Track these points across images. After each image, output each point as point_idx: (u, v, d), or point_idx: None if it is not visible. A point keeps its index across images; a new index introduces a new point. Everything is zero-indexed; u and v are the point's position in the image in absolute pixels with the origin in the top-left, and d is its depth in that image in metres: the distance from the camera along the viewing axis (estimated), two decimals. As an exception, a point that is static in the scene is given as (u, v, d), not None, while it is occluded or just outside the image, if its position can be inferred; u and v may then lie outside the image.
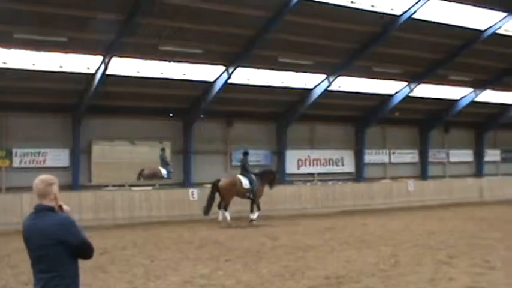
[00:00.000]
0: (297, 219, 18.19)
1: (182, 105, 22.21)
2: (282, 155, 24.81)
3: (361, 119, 26.74)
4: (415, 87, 24.59)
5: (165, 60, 19.22)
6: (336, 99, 24.29)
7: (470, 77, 25.58)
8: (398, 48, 21.66)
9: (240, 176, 17.12)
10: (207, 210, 16.50)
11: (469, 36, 21.80)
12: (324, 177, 25.81)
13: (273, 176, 17.89)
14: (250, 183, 17.02)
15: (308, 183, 24.28)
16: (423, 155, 29.16)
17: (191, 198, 18.71)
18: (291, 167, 25.21)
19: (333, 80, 22.43)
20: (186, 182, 22.12)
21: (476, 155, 31.60)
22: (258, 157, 24.32)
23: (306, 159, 25.86)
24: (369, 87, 24.41)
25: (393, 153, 28.54)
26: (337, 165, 26.54)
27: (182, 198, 18.67)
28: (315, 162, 26.04)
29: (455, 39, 21.92)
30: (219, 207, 16.70)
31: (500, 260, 9.71)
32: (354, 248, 11.53)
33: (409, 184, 24.19)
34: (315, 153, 26.06)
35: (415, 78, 24.28)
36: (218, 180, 16.90)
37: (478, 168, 31.39)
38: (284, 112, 24.54)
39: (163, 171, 22.26)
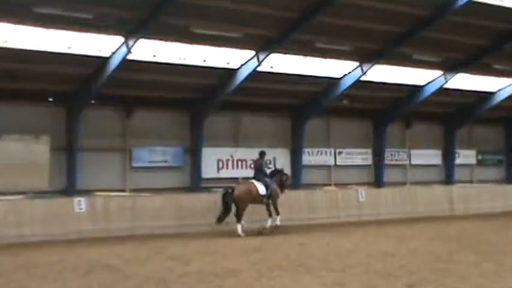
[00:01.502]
0: (214, 237, 18.35)
1: (66, 88, 21.91)
2: (197, 153, 25.03)
3: (298, 108, 27.41)
4: (369, 69, 25.50)
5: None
6: (267, 82, 24.78)
7: (440, 57, 26.67)
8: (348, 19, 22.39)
9: (254, 182, 19.41)
10: (220, 219, 19.00)
11: (438, 4, 22.49)
12: (252, 183, 26.30)
13: (285, 178, 20.39)
14: (266, 188, 19.34)
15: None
16: (378, 155, 30.27)
17: (77, 210, 18.58)
18: (208, 170, 25.53)
19: (264, 59, 22.95)
20: (69, 189, 21.92)
21: (445, 156, 32.96)
22: (165, 156, 24.40)
23: (228, 160, 26.31)
24: (306, 68, 25.07)
25: (339, 153, 29.46)
26: (268, 168, 26.82)
27: (65, 211, 18.49)
28: (239, 163, 26.52)
29: (420, 9, 22.64)
30: (238, 219, 18.97)
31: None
32: (289, 274, 11.74)
33: (359, 193, 24.88)
34: (240, 152, 26.53)
35: (369, 58, 25.15)
36: (231, 189, 19.14)
37: (448, 173, 32.77)
38: (202, 99, 24.77)
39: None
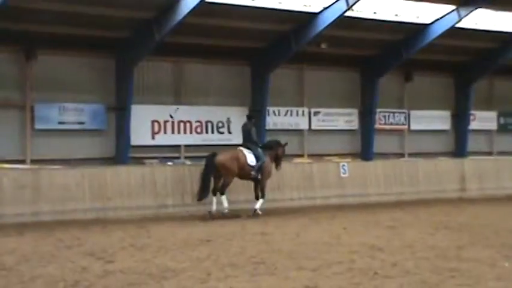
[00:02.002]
0: (146, 224, 18.43)
1: None
2: (124, 112, 24.91)
3: (262, 53, 27.29)
4: (355, 2, 25.27)
5: None
6: (217, 18, 24.56)
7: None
8: None
9: (243, 149, 20.94)
10: (201, 194, 20.36)
11: None
12: (198, 153, 26.09)
13: (281, 149, 21.99)
14: (257, 159, 20.87)
15: (170, 163, 24.63)
16: (366, 117, 30.44)
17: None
18: (139, 135, 25.49)
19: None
20: None
21: (456, 119, 33.33)
22: (81, 116, 24.18)
23: (166, 122, 26.30)
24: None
25: (316, 113, 29.56)
26: (221, 133, 27.23)
27: None
28: (181, 126, 26.57)
29: None
30: (214, 192, 20.42)
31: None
32: (245, 274, 11.78)
33: (341, 167, 25.16)
34: (183, 111, 26.54)
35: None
36: (214, 155, 20.55)
37: (459, 142, 33.25)
38: (132, 39, 24.55)
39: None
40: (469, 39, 30.35)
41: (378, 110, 30.76)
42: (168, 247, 14.83)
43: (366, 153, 30.10)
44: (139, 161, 24.57)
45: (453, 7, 27.75)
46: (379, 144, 30.59)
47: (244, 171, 20.73)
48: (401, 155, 31.60)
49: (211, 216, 20.13)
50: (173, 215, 20.60)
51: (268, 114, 27.93)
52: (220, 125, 26.97)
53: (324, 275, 11.65)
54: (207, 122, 26.94)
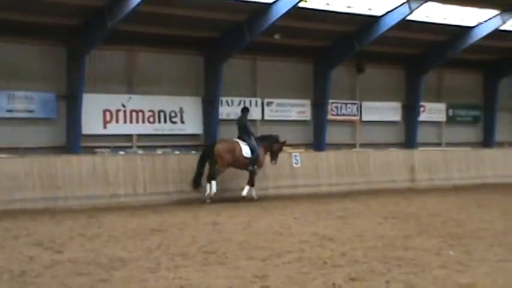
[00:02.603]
0: (97, 214, 18.36)
1: None
2: (75, 101, 24.58)
3: (214, 43, 27.19)
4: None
5: None
6: (172, 7, 24.37)
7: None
8: None
9: (239, 142, 22.71)
10: (196, 182, 21.96)
11: None
12: (151, 143, 26.20)
13: (278, 145, 23.66)
14: (252, 151, 22.63)
15: (121, 152, 24.48)
16: (319, 108, 30.44)
17: None
18: (91, 124, 25.16)
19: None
20: None
21: (406, 110, 33.54)
22: (30, 104, 23.84)
23: (118, 111, 26.00)
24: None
25: (269, 104, 29.52)
26: (173, 122, 27.00)
27: None
28: (134, 116, 26.28)
29: None
30: (209, 178, 22.05)
31: (433, 284, 10.26)
32: (196, 264, 11.77)
33: (293, 157, 25.26)
34: (135, 101, 26.28)
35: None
36: (212, 145, 22.61)
37: (409, 133, 33.48)
38: (82, 26, 24.20)
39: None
40: (420, 31, 30.52)
41: (330, 101, 30.78)
42: (118, 237, 14.76)
43: (318, 143, 30.13)
44: (90, 150, 24.30)
45: (403, 0, 27.88)
46: (331, 134, 30.65)
47: (239, 162, 22.53)
48: (353, 146, 31.69)
49: (210, 199, 21.89)
50: (125, 204, 20.54)
51: (222, 105, 27.75)
52: (173, 114, 26.75)
53: (273, 265, 11.70)
54: (159, 112, 26.65)
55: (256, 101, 29.11)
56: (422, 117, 33.92)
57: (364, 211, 19.94)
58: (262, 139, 23.60)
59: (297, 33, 28.19)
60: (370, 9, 27.99)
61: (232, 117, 27.93)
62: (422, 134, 33.73)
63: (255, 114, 28.86)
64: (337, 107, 31.34)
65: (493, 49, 33.85)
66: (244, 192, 22.62)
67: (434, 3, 28.57)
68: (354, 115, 32.05)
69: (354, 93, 32.10)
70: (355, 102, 32.01)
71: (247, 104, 27.77)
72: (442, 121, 35.19)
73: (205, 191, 22.04)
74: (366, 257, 12.30)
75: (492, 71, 35.60)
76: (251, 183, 22.89)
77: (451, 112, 35.38)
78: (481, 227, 16.40)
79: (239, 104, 28.23)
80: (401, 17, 28.14)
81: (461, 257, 12.41)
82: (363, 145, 31.80)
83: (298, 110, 30.29)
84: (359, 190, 25.75)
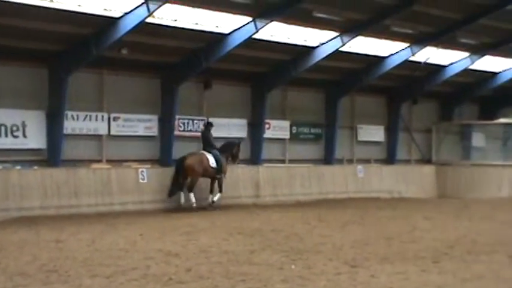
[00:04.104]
0: None
1: None
2: None
3: (60, 56, 26.44)
4: (157, 9, 24.87)
5: None
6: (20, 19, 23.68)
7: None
8: None
9: (205, 153, 25.73)
10: (171, 192, 25.12)
11: None
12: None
13: (236, 148, 26.99)
14: (216, 161, 25.67)
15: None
16: (166, 123, 30.17)
17: None
18: None
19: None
20: None
21: (252, 127, 33.68)
22: None
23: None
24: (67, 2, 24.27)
25: (115, 119, 28.86)
26: (15, 136, 25.88)
27: None
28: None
29: None
30: (181, 188, 25.27)
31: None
32: (36, 284, 11.52)
33: (140, 173, 25.06)
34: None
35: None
36: (183, 158, 25.41)
37: (255, 150, 33.62)
38: None
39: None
40: (266, 50, 30.86)
41: (178, 116, 30.58)
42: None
43: (165, 159, 29.79)
44: None
45: (250, 19, 28.08)
46: (179, 150, 30.24)
47: (208, 172, 25.61)
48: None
49: (181, 208, 24.70)
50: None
51: (67, 119, 26.97)
52: (14, 128, 25.72)
53: (118, 282, 11.67)
54: (0, 126, 25.58)
55: (102, 116, 28.38)
56: (267, 134, 34.16)
57: (210, 227, 20.08)
58: (223, 148, 26.68)
59: (145, 48, 27.95)
60: (217, 26, 28.03)
61: (79, 131, 27.40)
62: (267, 151, 33.97)
63: (101, 129, 28.29)
64: (184, 123, 31.10)
65: (334, 69, 34.72)
66: (216, 198, 25.84)
67: (279, 23, 29.03)
68: (198, 131, 31.84)
69: (201, 110, 31.97)
70: (203, 118, 31.89)
71: (93, 119, 27.30)
72: (286, 138, 35.51)
73: (181, 199, 25.25)
74: (211, 273, 12.52)
75: (333, 90, 36.29)
76: (220, 189, 25.98)
77: (294, 129, 35.74)
78: (320, 242, 16.93)
79: (85, 118, 27.63)
80: (247, 36, 28.40)
81: (302, 271, 12.86)
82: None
83: (145, 125, 29.83)
84: (202, 206, 25.71)
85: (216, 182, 26.12)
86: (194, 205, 24.90)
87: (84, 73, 27.47)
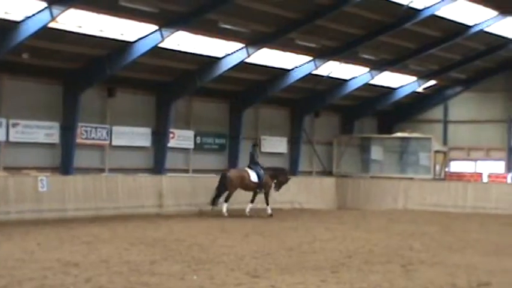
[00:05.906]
0: None
1: None
2: None
3: None
4: (61, 12, 24.23)
5: None
6: None
7: (154, 7, 26.57)
8: None
9: (248, 169, 28.40)
10: (214, 201, 27.82)
11: None
12: None
13: (284, 177, 29.59)
14: (258, 177, 28.08)
15: None
16: (68, 131, 29.34)
17: None
18: None
19: None
20: None
21: (156, 136, 33.23)
22: None
23: None
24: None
25: (15, 125, 27.79)
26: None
27: None
28: None
29: None
30: (220, 198, 27.82)
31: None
32: None
33: (40, 181, 24.20)
34: None
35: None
36: (225, 171, 28.89)
37: (159, 159, 33.21)
38: None
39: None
40: (171, 59, 30.71)
41: (80, 124, 29.80)
42: None
43: (65, 167, 28.98)
44: None
45: (156, 27, 27.76)
46: (80, 159, 29.70)
47: (248, 186, 28.21)
48: (103, 170, 30.78)
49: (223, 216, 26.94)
50: None
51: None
52: None
53: None
54: None
55: (1, 122, 27.26)
56: (172, 143, 33.81)
57: (111, 236, 19.64)
58: (269, 169, 29.27)
59: (47, 53, 27.30)
60: (122, 34, 27.56)
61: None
62: (171, 160, 33.63)
63: (-1, 135, 27.33)
64: (86, 131, 30.34)
65: (239, 80, 34.67)
66: (269, 211, 28.35)
67: (185, 33, 28.87)
68: (104, 139, 31.18)
69: (104, 118, 31.28)
70: (106, 126, 31.20)
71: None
72: (190, 148, 35.24)
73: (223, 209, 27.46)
74: (111, 283, 12.23)
75: (238, 101, 36.25)
76: (267, 202, 28.57)
77: (199, 139, 35.55)
78: (223, 252, 16.80)
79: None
80: (153, 44, 28.10)
81: (204, 281, 12.70)
82: (112, 170, 30.97)
83: (46, 132, 28.86)
84: (107, 215, 25.20)
85: (263, 195, 28.52)
86: (226, 214, 27.01)
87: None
